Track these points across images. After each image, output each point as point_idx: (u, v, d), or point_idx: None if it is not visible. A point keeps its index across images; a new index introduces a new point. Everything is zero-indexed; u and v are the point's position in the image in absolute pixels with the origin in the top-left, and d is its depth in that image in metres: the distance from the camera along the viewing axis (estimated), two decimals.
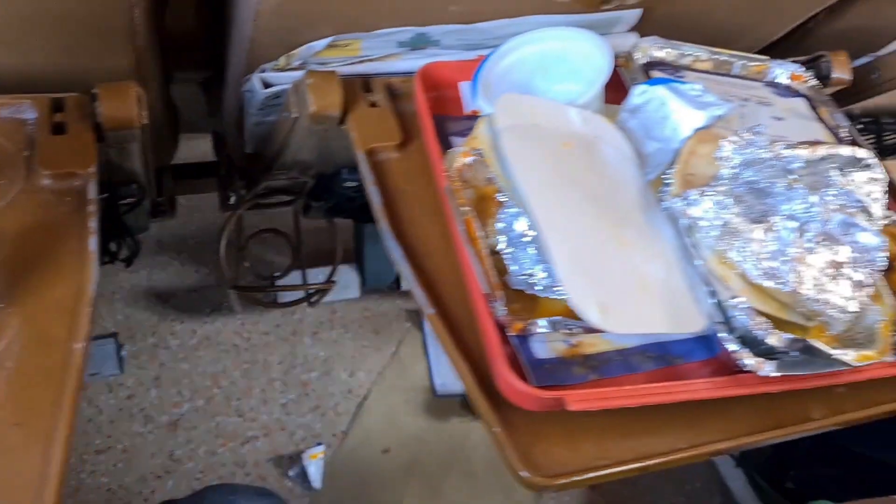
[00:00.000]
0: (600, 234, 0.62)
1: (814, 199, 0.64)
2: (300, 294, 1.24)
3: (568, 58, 0.79)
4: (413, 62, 0.84)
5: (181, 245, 1.72)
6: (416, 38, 0.84)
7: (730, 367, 0.63)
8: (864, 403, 0.68)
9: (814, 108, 0.84)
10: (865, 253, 0.64)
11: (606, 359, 0.65)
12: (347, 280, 1.65)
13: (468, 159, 0.69)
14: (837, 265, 0.63)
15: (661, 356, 0.66)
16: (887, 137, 1.34)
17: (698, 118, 0.70)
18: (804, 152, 0.64)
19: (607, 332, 0.59)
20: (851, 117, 1.23)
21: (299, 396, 1.60)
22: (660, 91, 0.73)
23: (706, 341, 0.67)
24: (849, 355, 0.62)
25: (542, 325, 0.61)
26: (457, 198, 0.67)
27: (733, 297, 0.61)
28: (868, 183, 0.65)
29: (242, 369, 1.61)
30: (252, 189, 1.04)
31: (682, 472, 1.66)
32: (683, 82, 0.73)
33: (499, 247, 0.65)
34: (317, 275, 1.30)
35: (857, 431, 1.28)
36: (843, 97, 1.12)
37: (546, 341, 0.65)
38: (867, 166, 0.66)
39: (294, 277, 1.36)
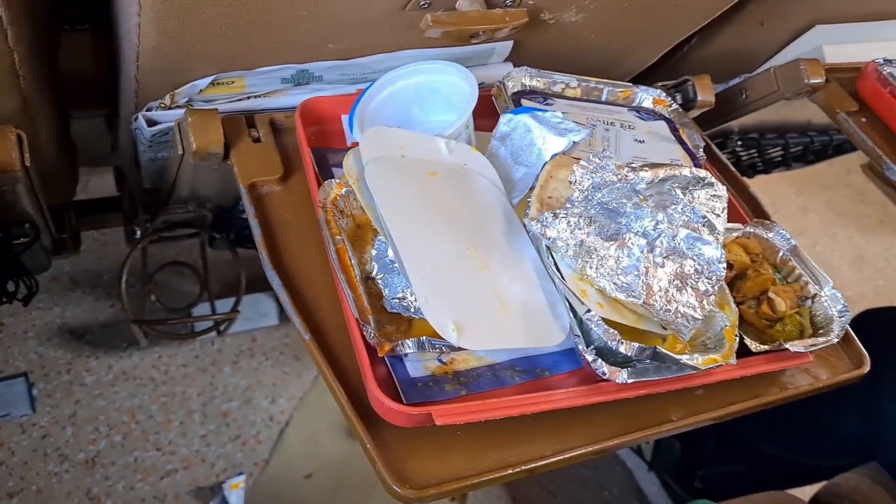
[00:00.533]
0: (461, 257, 0.66)
1: (661, 216, 0.69)
2: (209, 324, 1.25)
3: (441, 90, 0.83)
4: (298, 97, 0.87)
5: (95, 280, 1.71)
6: (299, 75, 0.87)
7: (592, 377, 0.68)
8: (719, 403, 0.73)
9: (675, 129, 0.90)
10: (708, 265, 0.69)
11: (477, 374, 0.69)
12: (265, 308, 1.67)
13: (343, 190, 0.73)
14: (684, 277, 0.69)
15: (530, 370, 0.70)
16: (770, 152, 1.42)
17: (559, 144, 0.75)
18: (647, 174, 0.69)
19: (465, 348, 0.63)
20: (732, 134, 1.31)
21: (219, 427, 1.60)
22: (524, 119, 0.78)
23: (571, 354, 0.71)
24: (696, 360, 0.67)
25: (409, 345, 0.64)
26: (330, 228, 0.70)
27: (587, 312, 0.65)
28: (710, 200, 0.71)
29: (160, 403, 1.61)
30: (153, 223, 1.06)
31: (600, 480, 1.71)
32: (545, 110, 0.77)
33: (373, 273, 0.69)
34: (227, 305, 1.32)
35: (756, 429, 1.35)
36: (716, 117, 1.19)
37: (421, 360, 0.68)
38: (708, 185, 0.71)
39: (204, 308, 1.37)
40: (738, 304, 0.78)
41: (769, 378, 0.76)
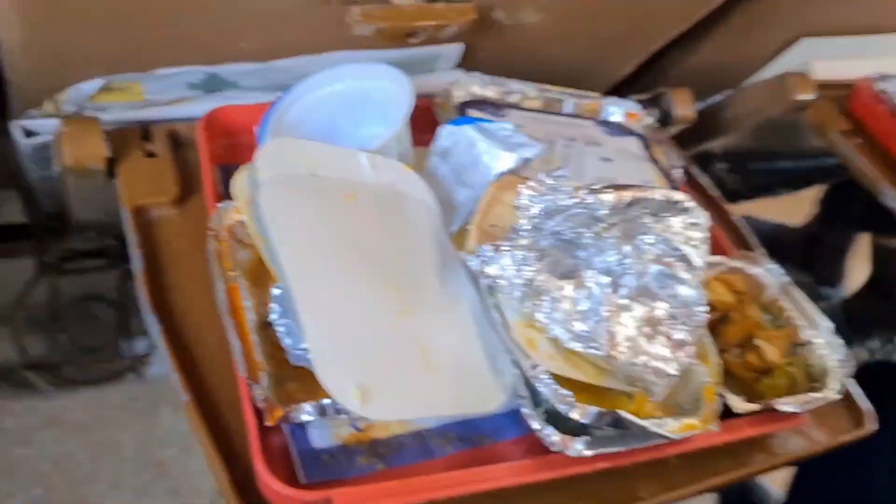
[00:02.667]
0: (377, 301, 0.52)
1: (627, 249, 0.57)
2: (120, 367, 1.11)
3: (373, 97, 0.70)
4: (209, 106, 0.74)
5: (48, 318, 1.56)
6: (209, 80, 0.74)
7: (543, 446, 0.55)
8: (696, 476, 0.60)
9: (647, 147, 0.77)
10: (684, 308, 0.56)
11: (399, 444, 0.55)
12: None
13: (243, 216, 0.59)
14: (655, 323, 0.56)
15: (467, 437, 0.57)
16: (755, 176, 1.31)
17: (508, 160, 0.63)
18: (610, 197, 0.56)
19: (370, 419, 0.50)
20: (714, 157, 1.19)
21: (154, 478, 1.45)
22: (468, 131, 0.65)
23: (520, 416, 0.58)
24: (667, 426, 0.54)
25: (307, 410, 0.51)
26: (222, 261, 0.57)
27: (534, 367, 0.52)
28: (687, 228, 0.58)
29: (90, 451, 1.46)
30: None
31: None
32: (492, 121, 0.65)
33: (270, 317, 0.55)
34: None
35: None
36: (698, 136, 1.08)
37: (329, 427, 0.55)
38: (684, 210, 0.58)
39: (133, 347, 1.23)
40: (720, 352, 0.66)
41: (757, 443, 0.63)
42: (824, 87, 1.03)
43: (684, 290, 0.57)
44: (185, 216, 0.66)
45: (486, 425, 0.58)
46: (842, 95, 1.01)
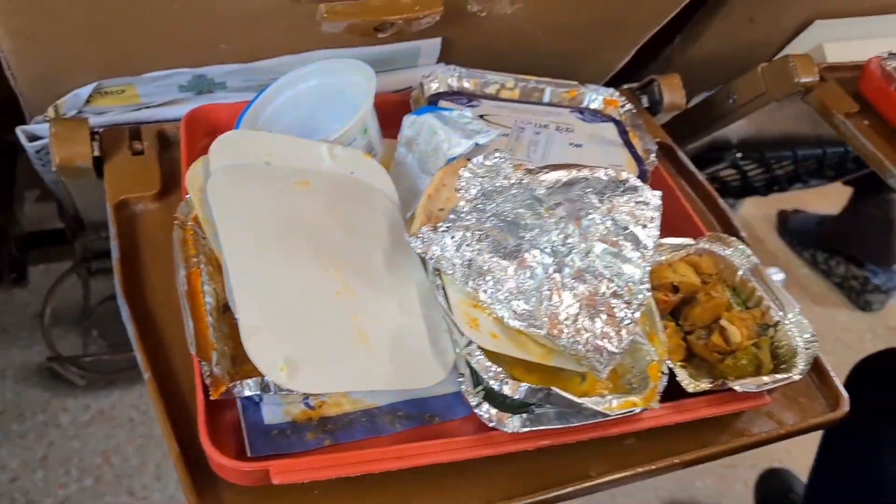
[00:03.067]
0: (316, 282, 0.55)
1: (572, 228, 0.58)
2: None
3: (346, 92, 0.73)
4: (197, 106, 0.78)
5: (81, 315, 1.65)
6: (197, 81, 0.78)
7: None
8: (652, 455, 0.60)
9: (624, 132, 0.78)
10: (629, 287, 0.57)
11: (349, 421, 0.57)
12: None
13: None
14: (597, 302, 0.56)
15: (416, 415, 0.59)
16: (777, 166, 1.28)
17: (465, 147, 0.64)
18: (548, 177, 0.57)
19: (296, 391, 0.52)
20: (730, 147, 1.18)
21: None
22: (428, 120, 0.67)
23: None
24: (606, 404, 0.55)
25: (250, 385, 0.53)
26: (186, 248, 0.60)
27: (468, 345, 0.54)
28: (635, 207, 0.59)
29: (137, 445, 1.52)
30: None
31: None
32: (451, 110, 0.67)
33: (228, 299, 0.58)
34: None
35: None
36: (704, 124, 1.07)
37: (282, 405, 0.57)
38: (633, 189, 0.59)
39: None
40: (687, 333, 0.66)
41: (719, 423, 0.63)
42: (835, 69, 1.01)
43: (629, 269, 0.57)
44: (166, 210, 0.70)
45: (436, 404, 0.59)
46: (853, 77, 0.99)
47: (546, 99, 0.81)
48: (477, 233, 0.57)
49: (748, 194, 1.42)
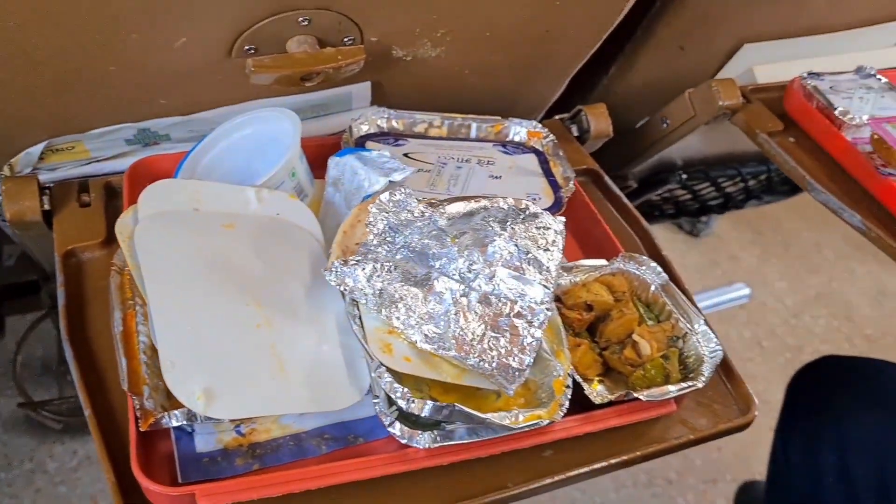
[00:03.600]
0: (236, 316, 0.59)
1: (477, 256, 0.62)
2: None
3: (280, 139, 0.77)
4: (139, 158, 0.83)
5: (56, 361, 1.69)
6: (142, 135, 0.83)
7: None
8: (568, 465, 0.63)
9: (545, 162, 0.82)
10: (531, 308, 0.61)
11: (277, 445, 0.61)
12: None
13: None
14: (500, 323, 0.60)
15: (341, 437, 0.63)
16: (727, 184, 1.33)
17: (382, 185, 0.69)
18: (451, 208, 0.61)
19: (215, 418, 0.56)
20: (675, 169, 1.22)
21: None
22: (350, 161, 0.72)
23: None
24: (510, 418, 0.58)
25: (177, 416, 0.57)
26: (123, 292, 0.65)
27: (377, 368, 0.58)
28: (537, 233, 0.63)
29: None
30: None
31: None
32: (371, 150, 0.71)
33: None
34: None
35: None
36: (641, 149, 1.11)
37: (214, 433, 0.61)
38: (533, 216, 0.63)
39: None
40: (603, 349, 0.70)
41: (635, 432, 0.66)
42: (762, 90, 1.06)
43: (532, 291, 0.61)
44: (110, 257, 0.74)
45: (360, 426, 0.63)
46: (781, 96, 1.03)
47: (473, 135, 0.86)
48: (387, 264, 0.61)
49: (705, 213, 1.46)
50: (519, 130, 0.86)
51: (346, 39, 0.78)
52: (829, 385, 0.98)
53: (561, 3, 0.82)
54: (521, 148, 0.84)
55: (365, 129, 0.82)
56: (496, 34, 0.85)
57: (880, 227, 0.87)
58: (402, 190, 0.62)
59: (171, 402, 0.60)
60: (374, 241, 0.61)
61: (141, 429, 0.57)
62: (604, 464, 0.64)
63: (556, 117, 0.97)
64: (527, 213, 0.63)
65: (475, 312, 0.61)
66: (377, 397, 0.59)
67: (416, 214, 0.61)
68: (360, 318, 0.62)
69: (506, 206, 0.63)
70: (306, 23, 0.74)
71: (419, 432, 0.57)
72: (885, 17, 1.16)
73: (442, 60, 0.85)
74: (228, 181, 0.74)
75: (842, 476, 0.90)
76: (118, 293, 0.64)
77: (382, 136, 0.82)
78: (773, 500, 1.06)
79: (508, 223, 0.63)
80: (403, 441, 0.57)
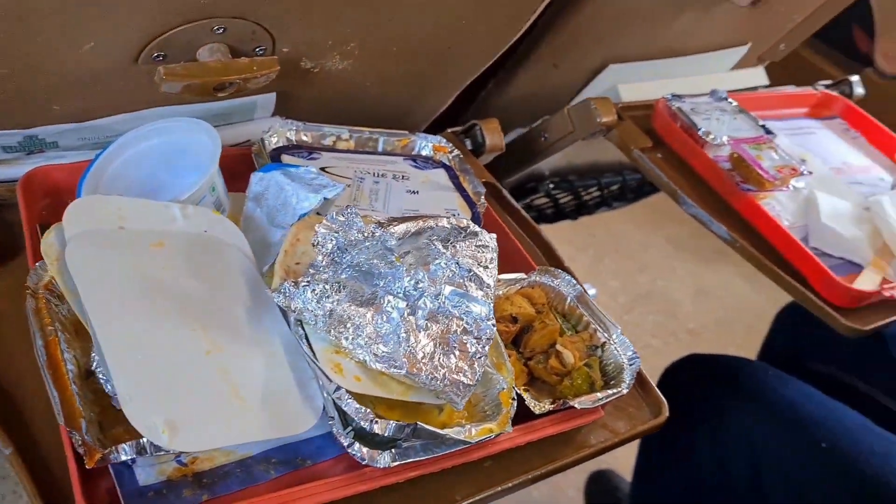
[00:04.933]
0: (183, 342, 0.56)
1: (422, 274, 0.63)
2: None
3: (189, 150, 0.74)
4: (31, 167, 0.76)
5: None
6: (27, 142, 0.76)
7: (358, 463, 0.59)
8: (509, 474, 0.66)
9: (454, 177, 0.84)
10: (476, 323, 0.63)
11: (224, 473, 0.59)
12: None
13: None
14: (450, 339, 0.62)
15: (289, 460, 0.61)
16: (585, 193, 1.40)
17: (313, 201, 0.68)
18: (398, 228, 0.62)
19: (180, 452, 0.53)
20: (544, 178, 1.28)
21: None
22: (276, 176, 0.70)
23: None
24: (467, 432, 0.60)
25: (125, 450, 0.54)
26: (41, 317, 0.60)
27: (336, 389, 0.57)
28: (476, 251, 0.65)
29: None
30: None
31: None
32: (297, 167, 0.70)
33: (94, 366, 0.58)
34: None
35: None
36: (521, 160, 1.16)
37: (154, 465, 0.58)
38: (473, 234, 0.65)
39: None
40: (527, 360, 0.73)
41: (563, 438, 0.70)
42: (629, 108, 1.13)
43: (476, 307, 0.63)
44: (7, 277, 0.68)
45: (306, 448, 0.62)
46: (644, 115, 1.11)
47: (380, 148, 0.86)
48: (335, 284, 0.61)
49: (560, 219, 1.54)
50: (425, 145, 0.87)
51: (257, 49, 0.76)
52: (699, 383, 1.07)
53: (466, 21, 0.85)
54: (431, 162, 0.85)
55: (275, 141, 0.81)
56: (403, 48, 0.86)
57: (744, 237, 0.96)
58: (349, 209, 0.62)
59: (105, 435, 0.57)
60: (323, 262, 0.61)
61: (87, 466, 0.53)
62: (541, 471, 0.67)
63: (449, 130, 0.99)
64: (467, 231, 0.65)
65: (424, 330, 0.62)
66: (332, 418, 0.59)
67: (364, 234, 0.61)
68: (306, 337, 0.61)
69: (448, 226, 0.64)
70: (221, 31, 0.71)
71: (379, 452, 0.58)
72: (720, 45, 1.28)
73: (348, 73, 0.85)
74: (134, 194, 0.70)
75: (718, 469, 0.99)
76: (35, 318, 0.59)
77: (295, 149, 0.80)
78: (643, 494, 1.15)
79: (450, 241, 0.64)
80: (364, 462, 0.57)
